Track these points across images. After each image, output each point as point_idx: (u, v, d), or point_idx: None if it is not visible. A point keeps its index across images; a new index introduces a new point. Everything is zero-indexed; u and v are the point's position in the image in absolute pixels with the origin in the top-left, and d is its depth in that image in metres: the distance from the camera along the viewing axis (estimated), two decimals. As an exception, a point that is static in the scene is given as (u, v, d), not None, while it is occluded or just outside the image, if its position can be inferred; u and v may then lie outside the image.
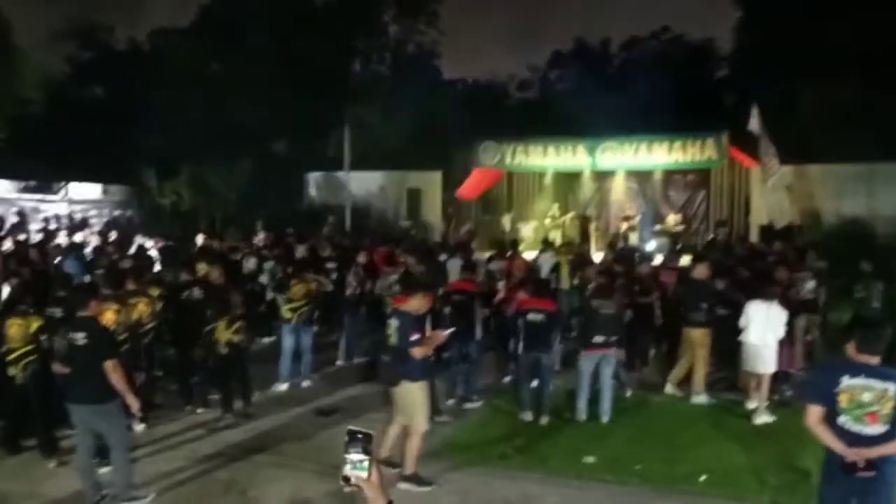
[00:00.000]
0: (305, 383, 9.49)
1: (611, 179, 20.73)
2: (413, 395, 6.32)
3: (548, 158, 20.06)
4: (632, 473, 6.68)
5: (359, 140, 21.12)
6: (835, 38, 20.04)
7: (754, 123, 16.30)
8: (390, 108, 24.94)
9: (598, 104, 21.01)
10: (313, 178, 23.46)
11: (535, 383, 8.33)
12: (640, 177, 20.39)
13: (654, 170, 19.80)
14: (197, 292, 8.59)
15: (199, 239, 15.18)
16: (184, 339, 8.56)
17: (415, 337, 6.24)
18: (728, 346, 8.87)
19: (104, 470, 6.19)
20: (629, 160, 19.38)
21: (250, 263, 12.63)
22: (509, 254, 12.63)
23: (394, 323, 6.36)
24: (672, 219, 19.25)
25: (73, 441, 6.37)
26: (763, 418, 8.10)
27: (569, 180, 20.87)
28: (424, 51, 32.17)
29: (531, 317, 8.07)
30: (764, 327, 8.13)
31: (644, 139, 18.99)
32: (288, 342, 9.35)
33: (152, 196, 22.98)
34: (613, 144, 19.14)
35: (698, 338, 8.86)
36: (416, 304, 6.46)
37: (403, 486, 6.25)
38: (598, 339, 8.09)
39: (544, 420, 8.06)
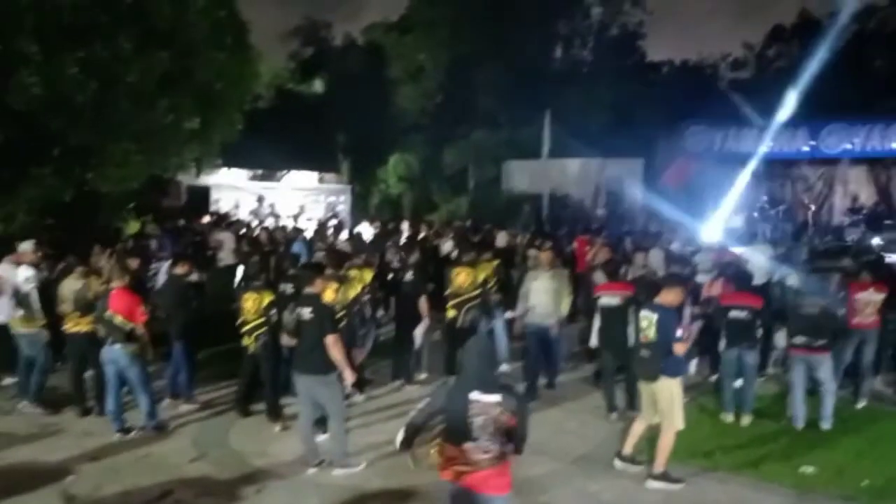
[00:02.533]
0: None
1: (836, 167, 18.88)
2: (672, 392, 6.19)
3: (763, 144, 18.70)
4: (859, 489, 6.08)
5: (560, 126, 20.96)
6: None
7: None
8: (591, 94, 24.51)
9: (824, 83, 19.17)
10: (513, 165, 23.69)
11: (739, 383, 7.85)
12: (873, 164, 18.36)
13: (890, 156, 17.75)
14: (409, 275, 9.03)
15: (405, 225, 15.92)
16: (399, 318, 9.07)
17: (679, 332, 6.13)
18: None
19: (322, 437, 6.69)
20: (857, 146, 17.53)
21: (447, 246, 12.99)
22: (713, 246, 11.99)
23: (652, 316, 6.22)
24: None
25: (296, 408, 6.98)
26: None
27: (786, 168, 19.31)
28: (628, 32, 31.19)
29: (734, 313, 7.64)
30: None
31: (878, 121, 17.07)
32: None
33: (364, 184, 24.44)
34: (841, 127, 17.41)
35: None
36: (673, 297, 6.33)
37: (654, 484, 6.17)
38: (799, 340, 7.47)
39: (745, 421, 7.62)
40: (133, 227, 14.95)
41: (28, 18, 10.36)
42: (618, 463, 6.45)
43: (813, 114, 17.85)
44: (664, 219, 18.17)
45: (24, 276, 8.09)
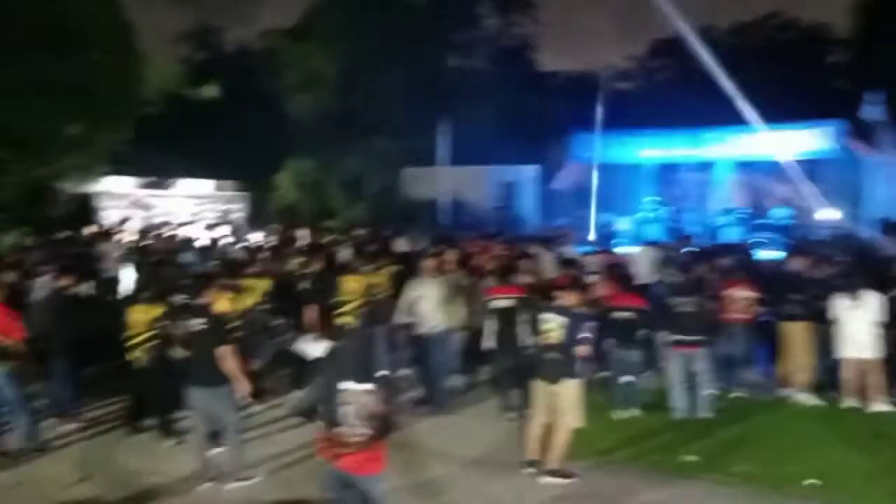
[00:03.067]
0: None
1: (713, 172, 20.10)
2: (574, 392, 6.42)
3: (647, 150, 19.67)
4: (734, 473, 6.51)
5: (456, 134, 21.30)
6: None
7: (873, 111, 15.45)
8: (486, 102, 25.01)
9: (702, 93, 20.36)
10: (412, 172, 23.85)
11: (625, 379, 8.22)
12: (746, 168, 19.66)
13: (760, 161, 19.06)
14: (306, 284, 8.95)
15: (303, 233, 15.73)
16: (299, 328, 8.98)
17: (583, 335, 6.35)
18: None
19: (218, 450, 6.56)
20: (731, 151, 18.74)
21: (345, 254, 12.92)
22: (600, 249, 12.50)
23: (558, 319, 6.40)
24: (778, 212, 18.48)
25: (189, 422, 6.80)
26: (879, 407, 7.97)
27: (668, 173, 20.37)
28: (522, 43, 32.06)
29: (619, 314, 7.99)
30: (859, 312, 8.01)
31: (750, 129, 18.30)
32: None
33: (259, 191, 23.96)
34: (717, 135, 18.54)
35: (793, 332, 8.54)
36: (575, 299, 6.58)
37: (549, 480, 6.36)
38: (680, 337, 7.93)
39: (633, 413, 8.00)
40: (9, 239, 14.09)
41: None
42: (527, 471, 6.54)
43: (693, 121, 18.91)
44: (558, 222, 18.81)
45: None
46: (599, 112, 20.23)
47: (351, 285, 8.71)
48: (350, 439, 4.38)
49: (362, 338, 5.19)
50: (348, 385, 4.40)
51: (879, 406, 8.07)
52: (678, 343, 7.95)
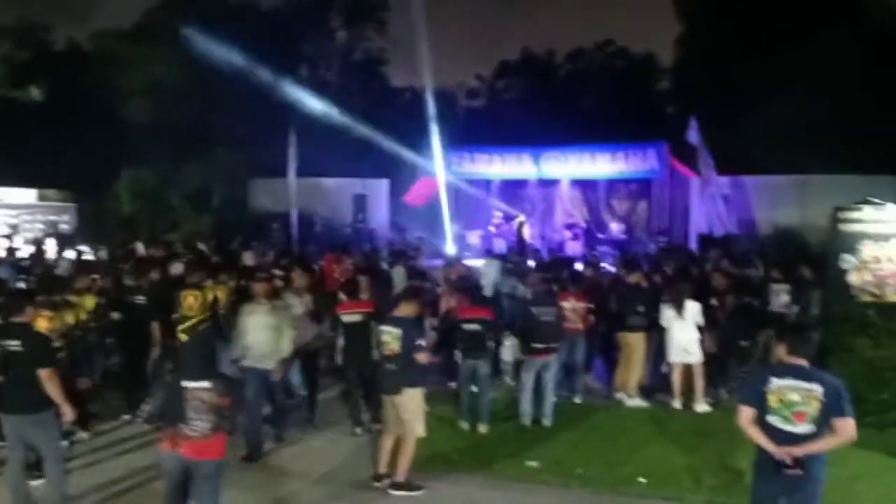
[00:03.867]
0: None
1: (556, 188, 21.11)
2: (415, 402, 6.40)
3: (494, 167, 20.32)
4: (574, 476, 6.79)
5: (306, 146, 20.96)
6: (773, 53, 20.80)
7: (693, 135, 16.85)
8: (337, 115, 24.84)
9: (544, 114, 21.37)
10: (259, 184, 23.19)
11: (474, 389, 8.36)
12: (584, 186, 20.82)
13: (596, 179, 20.25)
14: (141, 299, 8.42)
15: (139, 246, 14.80)
16: (128, 346, 8.40)
17: (420, 342, 6.37)
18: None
19: (37, 483, 6.01)
20: (573, 169, 19.78)
21: (177, 267, 12.27)
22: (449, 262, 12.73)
23: (394, 330, 6.38)
24: (615, 227, 19.71)
25: (3, 453, 6.17)
26: (702, 408, 8.65)
27: (514, 188, 21.15)
28: (372, 58, 32.22)
29: (468, 326, 8.13)
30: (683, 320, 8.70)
31: (587, 149, 19.41)
32: None
33: (90, 201, 22.33)
34: (557, 154, 19.49)
35: (634, 342, 9.11)
36: (411, 309, 6.58)
37: (397, 493, 6.32)
38: (539, 345, 8.23)
39: (482, 428, 8.10)
40: None
41: None
42: (377, 485, 6.49)
43: (536, 140, 19.76)
44: (409, 236, 18.97)
45: None
46: (448, 128, 20.66)
47: (189, 300, 8.25)
48: (190, 434, 4.73)
49: (202, 338, 5.06)
50: (186, 383, 4.77)
51: (702, 407, 8.75)
52: (537, 351, 8.20)
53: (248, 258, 13.00)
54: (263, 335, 7.25)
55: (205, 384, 4.76)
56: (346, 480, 6.68)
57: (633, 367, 9.16)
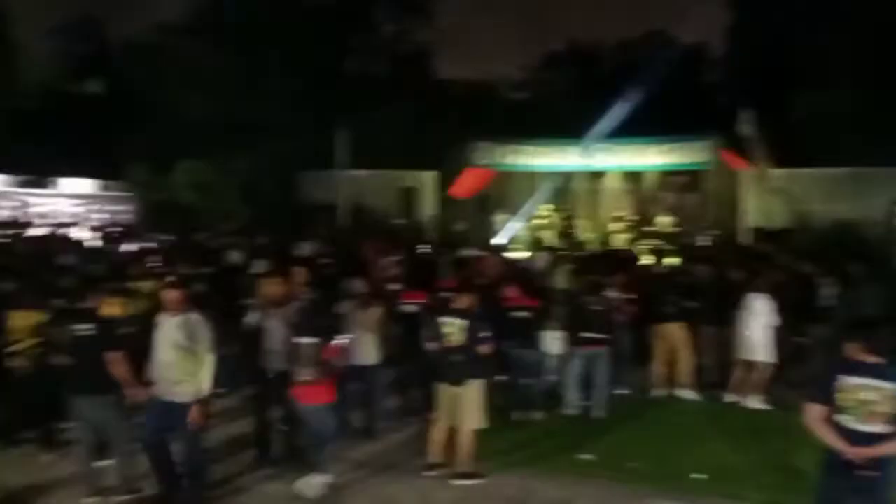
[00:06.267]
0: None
1: (602, 180, 20.93)
2: (478, 393, 6.50)
3: (541, 158, 20.22)
4: (628, 470, 6.77)
5: (354, 139, 21.15)
6: (828, 43, 20.27)
7: (746, 127, 16.52)
8: (385, 107, 24.99)
9: (590, 105, 21.13)
10: (310, 176, 23.46)
11: (524, 381, 8.35)
12: (632, 178, 20.60)
13: (645, 170, 20.02)
14: (199, 287, 8.63)
15: (198, 236, 15.17)
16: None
17: (483, 334, 6.43)
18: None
19: (104, 463, 6.22)
20: (620, 162, 19.58)
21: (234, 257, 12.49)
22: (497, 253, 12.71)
23: (458, 321, 6.48)
24: (663, 220, 19.46)
25: (73, 434, 6.41)
26: (757, 405, 8.49)
27: (560, 181, 21.00)
28: (420, 50, 32.24)
29: (517, 315, 8.14)
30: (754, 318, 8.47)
31: (635, 141, 19.19)
32: None
33: (148, 191, 22.91)
34: (604, 146, 19.29)
35: (672, 332, 9.00)
36: (470, 301, 6.67)
37: (458, 482, 6.39)
38: (586, 335, 8.19)
39: (535, 417, 8.13)
40: None
41: None
42: (431, 474, 6.55)
43: (583, 132, 19.60)
44: (458, 227, 19.05)
45: None
46: (497, 119, 20.60)
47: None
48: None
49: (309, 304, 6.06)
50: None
51: (759, 404, 8.60)
52: (584, 341, 8.16)
53: (305, 249, 13.19)
54: (168, 356, 5.86)
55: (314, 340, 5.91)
56: (400, 466, 6.78)
57: (681, 360, 9.06)
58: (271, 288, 6.74)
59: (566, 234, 18.67)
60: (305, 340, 6.03)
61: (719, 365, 9.27)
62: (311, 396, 6.05)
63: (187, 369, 5.79)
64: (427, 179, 21.70)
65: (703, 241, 17.13)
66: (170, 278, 6.73)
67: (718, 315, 8.99)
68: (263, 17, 24.59)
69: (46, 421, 6.93)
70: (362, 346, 7.25)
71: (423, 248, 13.40)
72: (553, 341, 9.24)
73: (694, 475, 6.63)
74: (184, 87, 23.19)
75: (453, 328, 6.52)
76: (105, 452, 6.21)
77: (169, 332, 5.84)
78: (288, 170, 23.46)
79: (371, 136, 21.63)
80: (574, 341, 8.32)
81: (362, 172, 21.73)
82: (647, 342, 9.74)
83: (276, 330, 6.54)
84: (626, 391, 9.09)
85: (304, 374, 5.98)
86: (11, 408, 7.11)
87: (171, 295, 5.96)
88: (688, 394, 8.99)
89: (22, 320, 6.84)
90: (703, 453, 7.21)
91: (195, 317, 5.92)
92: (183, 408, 5.76)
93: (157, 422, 5.82)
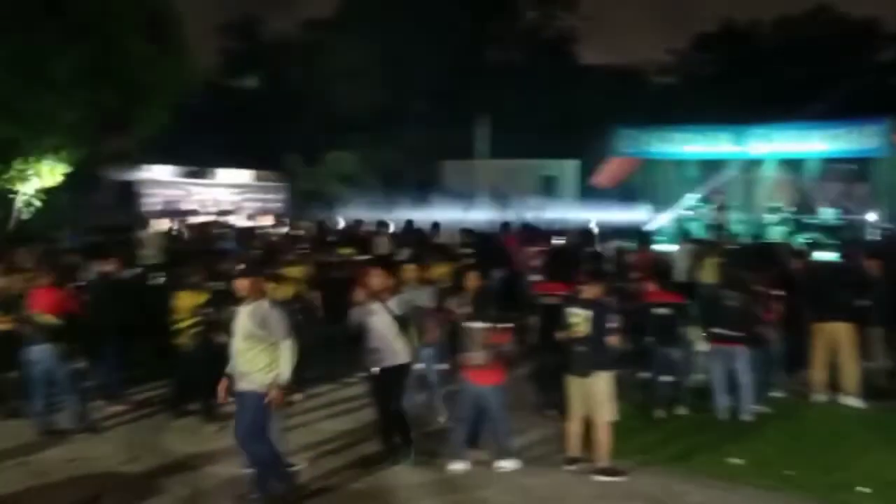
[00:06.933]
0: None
1: (758, 169, 19.69)
2: (605, 385, 6.38)
3: (689, 146, 19.36)
4: (782, 478, 6.34)
5: (495, 128, 21.22)
6: None
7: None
8: (526, 95, 24.85)
9: (746, 89, 19.96)
10: (449, 165, 23.80)
11: (668, 378, 8.05)
12: (792, 166, 19.24)
13: (807, 159, 18.63)
14: (341, 272, 8.99)
15: (341, 223, 15.78)
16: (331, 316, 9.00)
17: (611, 325, 6.33)
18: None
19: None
20: (780, 149, 18.34)
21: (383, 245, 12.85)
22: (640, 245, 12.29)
23: (583, 312, 6.39)
24: (826, 212, 18.07)
25: (231, 408, 6.82)
26: None
27: (711, 170, 20.00)
28: (562, 36, 31.77)
29: (659, 311, 7.85)
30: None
31: (797, 126, 17.91)
32: None
33: (298, 181, 24.11)
34: (762, 132, 18.15)
35: (839, 333, 8.30)
36: (598, 291, 6.53)
37: (599, 478, 6.29)
38: (721, 331, 7.75)
39: (675, 414, 7.82)
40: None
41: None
42: (570, 468, 6.46)
43: (737, 118, 18.55)
44: (599, 217, 18.62)
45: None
46: (641, 106, 19.93)
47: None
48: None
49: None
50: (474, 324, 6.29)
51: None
52: (719, 337, 7.76)
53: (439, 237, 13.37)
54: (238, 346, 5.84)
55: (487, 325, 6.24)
56: (538, 458, 6.70)
57: (845, 363, 8.35)
58: (374, 280, 6.53)
59: (716, 225, 17.73)
60: (478, 325, 6.33)
61: (890, 369, 8.48)
62: (485, 377, 6.37)
63: (258, 359, 5.66)
64: (568, 168, 21.37)
65: (872, 234, 15.74)
66: (239, 268, 6.36)
67: (890, 314, 8.20)
68: (406, 9, 25.10)
69: (208, 395, 7.44)
70: None
71: (559, 239, 13.19)
72: (697, 339, 8.88)
73: (859, 488, 6.11)
74: (332, 80, 24.15)
75: (579, 318, 6.40)
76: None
77: (241, 320, 5.75)
78: (429, 159, 23.91)
79: (511, 125, 21.61)
80: (710, 337, 7.91)
81: (501, 161, 21.76)
82: (802, 343, 9.09)
83: (378, 324, 6.46)
84: (779, 394, 8.52)
85: (477, 358, 6.29)
86: (178, 382, 7.69)
87: (242, 283, 5.81)
88: (852, 400, 8.28)
89: (187, 300, 7.37)
90: (870, 465, 6.62)
91: (266, 304, 5.78)
92: (251, 397, 5.68)
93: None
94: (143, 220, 15.47)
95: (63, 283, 7.34)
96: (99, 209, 17.10)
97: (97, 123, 12.64)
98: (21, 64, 10.83)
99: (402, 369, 6.58)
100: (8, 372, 7.57)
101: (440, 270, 8.64)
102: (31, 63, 10.90)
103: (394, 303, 6.54)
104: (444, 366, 7.33)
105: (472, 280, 6.91)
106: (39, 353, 6.93)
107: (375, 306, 6.50)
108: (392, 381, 6.54)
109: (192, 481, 6.17)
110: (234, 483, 6.09)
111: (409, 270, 7.41)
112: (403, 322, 6.51)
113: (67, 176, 13.30)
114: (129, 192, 20.09)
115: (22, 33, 10.94)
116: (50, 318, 6.89)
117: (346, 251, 9.95)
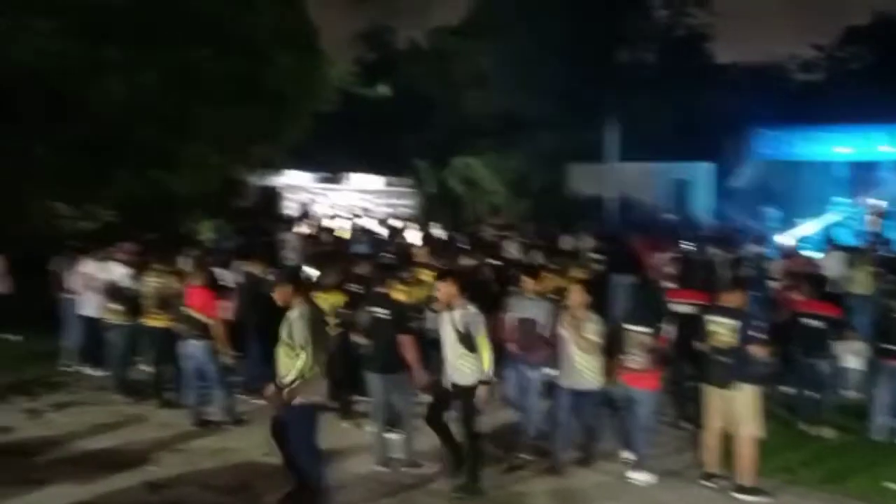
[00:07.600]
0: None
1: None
2: (749, 398, 6.08)
3: (837, 147, 18.14)
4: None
5: (625, 130, 20.72)
6: None
7: None
8: (658, 97, 24.11)
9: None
10: (577, 169, 23.46)
11: (814, 394, 7.59)
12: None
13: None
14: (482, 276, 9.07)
15: (482, 229, 15.90)
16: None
17: (756, 335, 6.08)
18: None
19: (393, 436, 6.73)
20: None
21: (512, 249, 12.82)
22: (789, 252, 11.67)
23: (728, 321, 6.16)
24: None
25: (367, 406, 7.06)
26: None
27: (861, 172, 18.65)
28: (695, 34, 30.58)
29: (807, 322, 7.41)
30: None
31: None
32: None
33: (425, 187, 24.57)
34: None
35: None
36: (739, 299, 6.33)
37: (745, 498, 5.99)
38: (891, 347, 7.18)
39: (824, 433, 7.35)
40: (206, 227, 15.41)
41: (113, 26, 10.84)
42: (708, 484, 6.22)
43: (891, 115, 17.19)
44: (737, 223, 17.80)
45: (120, 272, 8.55)
46: (782, 105, 18.87)
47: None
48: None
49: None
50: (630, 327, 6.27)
51: None
52: (889, 353, 7.22)
53: (566, 243, 13.23)
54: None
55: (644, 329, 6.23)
56: (679, 476, 6.48)
57: None
58: (443, 289, 6.17)
59: (873, 233, 16.49)
60: (636, 329, 6.34)
61: None
62: (642, 382, 6.36)
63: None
64: (701, 171, 20.54)
65: None
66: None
67: None
68: (533, 10, 24.98)
69: (346, 393, 7.72)
70: None
71: (687, 245, 12.72)
72: (850, 354, 8.30)
73: None
74: (460, 87, 24.43)
75: (721, 327, 6.14)
76: (395, 426, 6.75)
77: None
78: (556, 163, 23.69)
79: (641, 127, 21.04)
80: (878, 353, 7.35)
81: (631, 165, 21.23)
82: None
83: (446, 335, 6.10)
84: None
85: (635, 362, 6.29)
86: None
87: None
88: None
89: (323, 302, 7.67)
90: None
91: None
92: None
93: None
94: (285, 223, 16.28)
95: (214, 285, 7.85)
96: (244, 213, 18.17)
97: (248, 133, 13.43)
98: (178, 77, 11.64)
99: (467, 391, 5.99)
100: (165, 365, 8.19)
101: (557, 282, 8.16)
102: (188, 77, 11.71)
103: (458, 316, 5.99)
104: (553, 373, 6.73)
105: (577, 295, 6.50)
106: (192, 349, 7.44)
107: (446, 316, 6.12)
108: (457, 400, 6.13)
109: (329, 475, 6.41)
110: (365, 477, 6.28)
111: (527, 282, 6.96)
112: (469, 340, 5.95)
113: (217, 182, 14.19)
114: (270, 197, 21.22)
115: (179, 46, 11.75)
116: (200, 316, 7.37)
117: (473, 256, 10.00)
